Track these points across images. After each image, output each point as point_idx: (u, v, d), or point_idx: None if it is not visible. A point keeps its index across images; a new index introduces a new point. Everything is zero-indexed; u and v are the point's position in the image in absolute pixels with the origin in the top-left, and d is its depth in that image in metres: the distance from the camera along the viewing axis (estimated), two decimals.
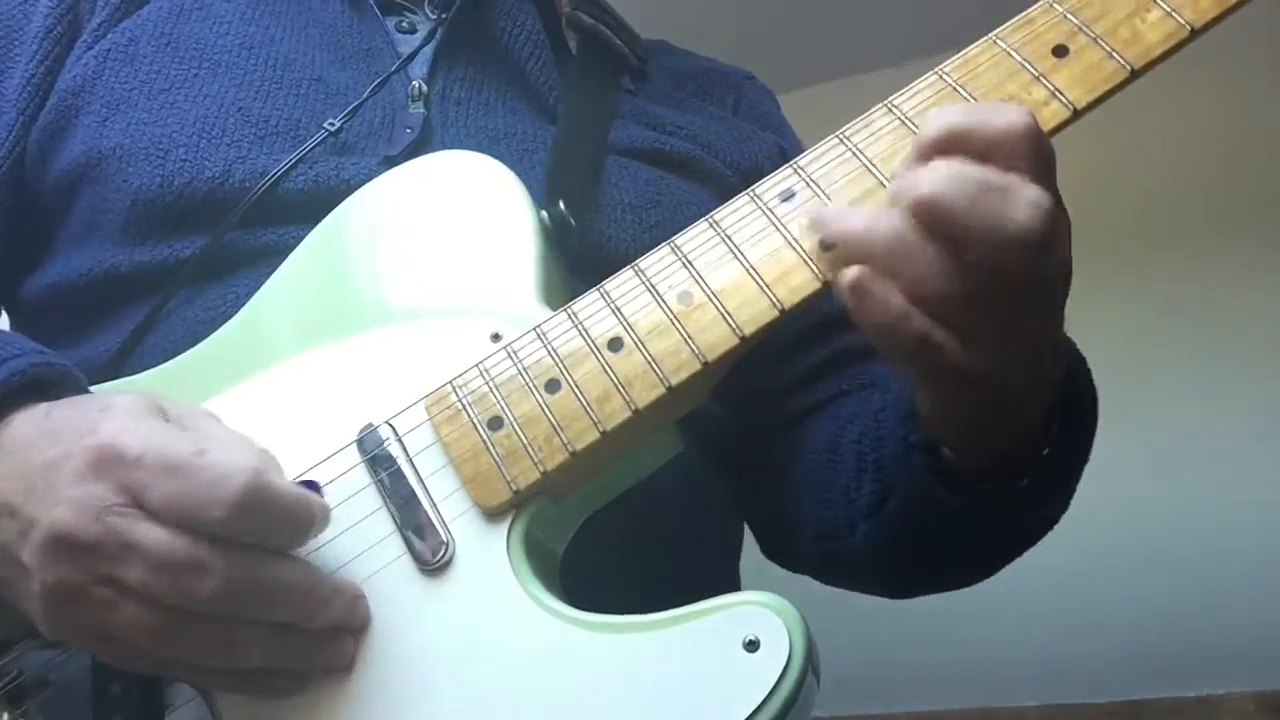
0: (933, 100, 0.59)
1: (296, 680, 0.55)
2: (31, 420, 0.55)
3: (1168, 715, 2.27)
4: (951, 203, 0.50)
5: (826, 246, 0.56)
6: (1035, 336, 0.54)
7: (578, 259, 0.70)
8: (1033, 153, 0.52)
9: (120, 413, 0.53)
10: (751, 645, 0.51)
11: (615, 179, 0.80)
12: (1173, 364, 2.46)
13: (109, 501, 0.50)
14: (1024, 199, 0.50)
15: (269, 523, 0.52)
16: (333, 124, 0.74)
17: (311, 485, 0.57)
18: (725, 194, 0.63)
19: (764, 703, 0.50)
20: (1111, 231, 2.44)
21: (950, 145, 0.52)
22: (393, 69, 0.78)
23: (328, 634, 0.55)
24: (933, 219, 0.51)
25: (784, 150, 0.90)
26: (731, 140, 0.89)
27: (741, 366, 0.62)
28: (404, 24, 0.85)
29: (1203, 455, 2.42)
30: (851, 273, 0.53)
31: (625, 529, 0.66)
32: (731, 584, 0.81)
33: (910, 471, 0.64)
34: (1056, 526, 0.69)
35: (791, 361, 0.83)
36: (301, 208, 0.70)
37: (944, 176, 0.51)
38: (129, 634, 0.51)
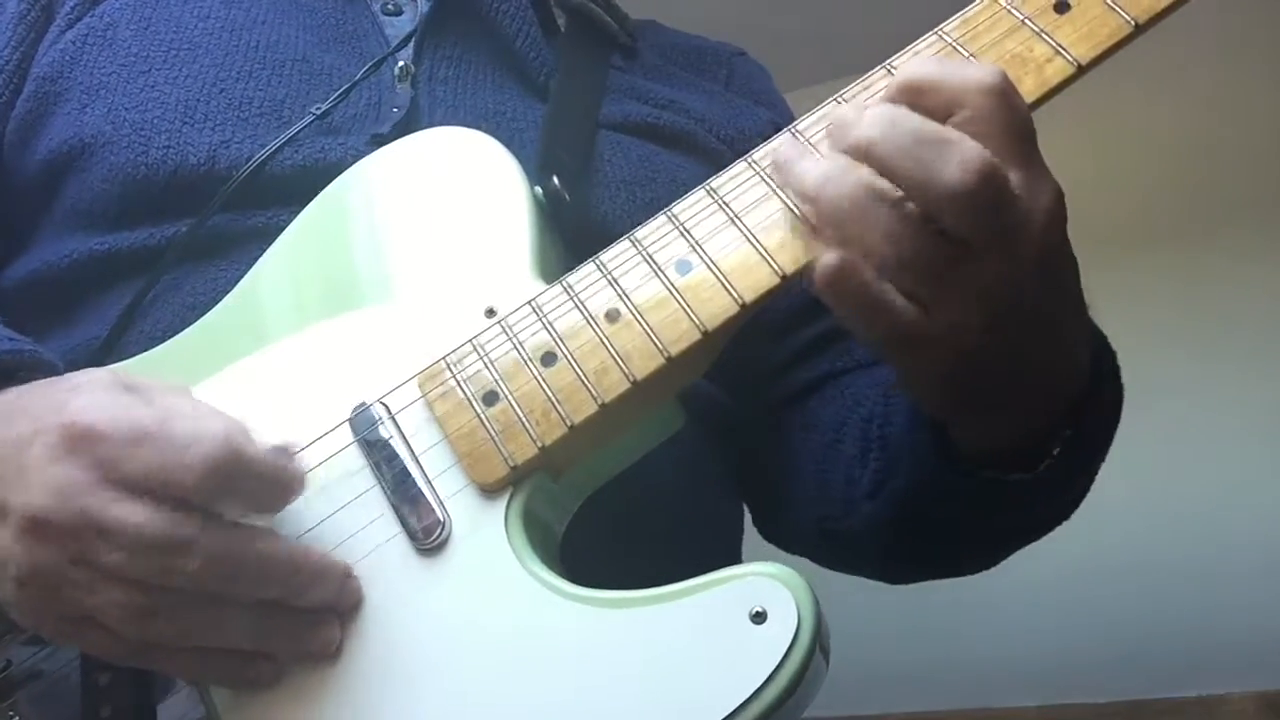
0: (931, 60, 0.58)
1: (278, 668, 0.54)
2: None
3: (1168, 715, 2.27)
4: (884, 148, 0.49)
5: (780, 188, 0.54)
6: (996, 307, 0.51)
7: (573, 235, 0.68)
8: (997, 114, 0.50)
9: (86, 389, 0.52)
10: (758, 617, 0.50)
11: (609, 155, 0.78)
12: (1173, 364, 2.45)
13: (83, 481, 0.49)
14: (958, 156, 0.48)
15: (244, 486, 0.51)
16: (319, 108, 0.72)
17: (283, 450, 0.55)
18: (719, 168, 0.61)
19: (773, 675, 0.49)
20: (1109, 229, 2.43)
21: (911, 96, 0.51)
22: (388, 51, 0.77)
23: (313, 617, 0.54)
24: (868, 161, 0.50)
25: (779, 126, 0.88)
26: (725, 115, 0.88)
27: (736, 346, 0.61)
28: (389, 6, 0.84)
29: (1203, 455, 2.41)
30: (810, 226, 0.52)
31: (625, 513, 0.64)
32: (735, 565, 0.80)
33: (914, 449, 0.63)
34: (1055, 528, 0.67)
35: (785, 338, 0.82)
36: (289, 189, 0.69)
37: (881, 120, 0.50)
38: (106, 618, 0.50)
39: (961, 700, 2.44)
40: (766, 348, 0.81)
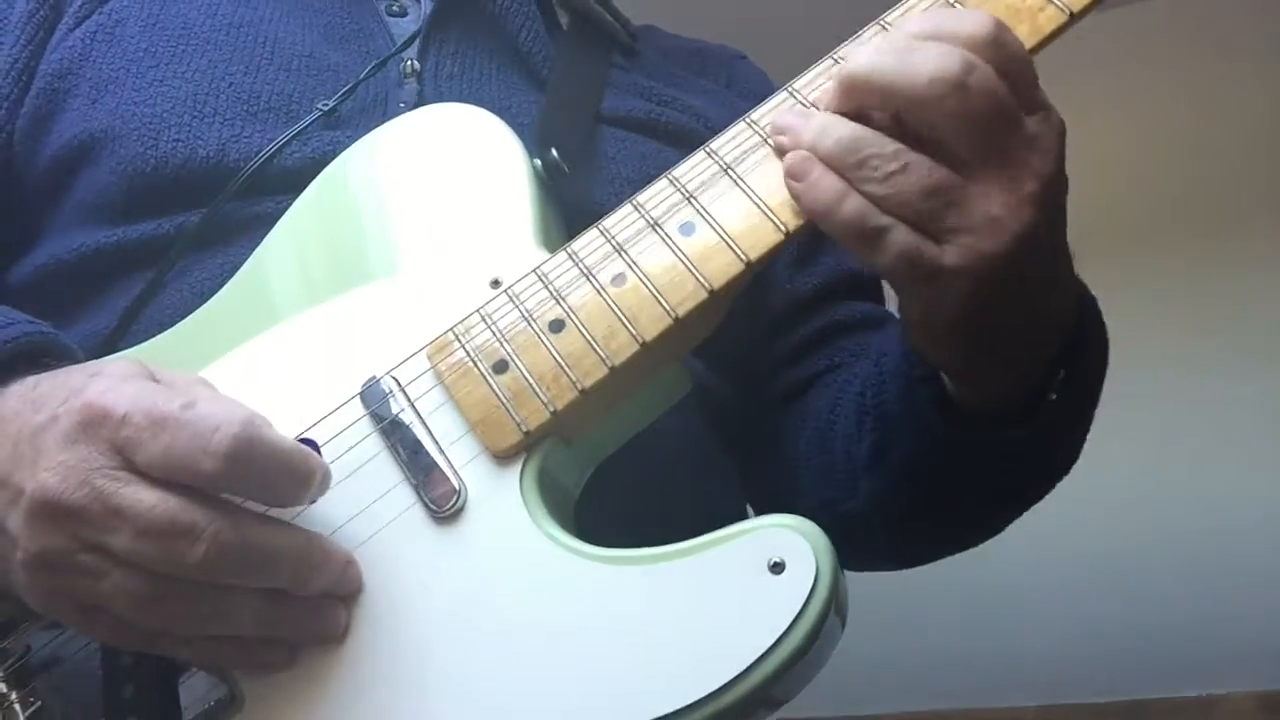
0: (925, 14, 0.58)
1: (289, 651, 0.54)
2: (21, 391, 0.54)
3: (1168, 715, 2.28)
4: (868, 67, 0.52)
5: (781, 153, 0.55)
6: (1011, 233, 0.51)
7: (573, 213, 0.68)
8: (1000, 62, 0.51)
9: (106, 375, 0.52)
10: (776, 567, 0.50)
11: (613, 152, 0.78)
12: (1173, 364, 2.45)
13: (97, 464, 0.49)
14: (935, 50, 0.50)
15: (264, 475, 0.50)
16: (326, 104, 0.73)
17: (309, 444, 0.55)
18: None
19: (793, 624, 0.49)
20: (1110, 228, 2.44)
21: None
22: (394, 50, 0.77)
23: (318, 603, 0.53)
24: (853, 88, 0.52)
25: None
26: (726, 115, 0.87)
27: (738, 341, 0.60)
28: (394, 7, 0.85)
29: (1203, 456, 2.42)
30: (787, 159, 0.54)
31: (635, 487, 0.64)
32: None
33: (913, 409, 0.62)
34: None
35: (785, 334, 0.82)
36: (297, 182, 0.69)
37: (867, 51, 0.53)
38: (115, 604, 0.50)
39: (961, 700, 2.44)
40: (767, 345, 0.82)
